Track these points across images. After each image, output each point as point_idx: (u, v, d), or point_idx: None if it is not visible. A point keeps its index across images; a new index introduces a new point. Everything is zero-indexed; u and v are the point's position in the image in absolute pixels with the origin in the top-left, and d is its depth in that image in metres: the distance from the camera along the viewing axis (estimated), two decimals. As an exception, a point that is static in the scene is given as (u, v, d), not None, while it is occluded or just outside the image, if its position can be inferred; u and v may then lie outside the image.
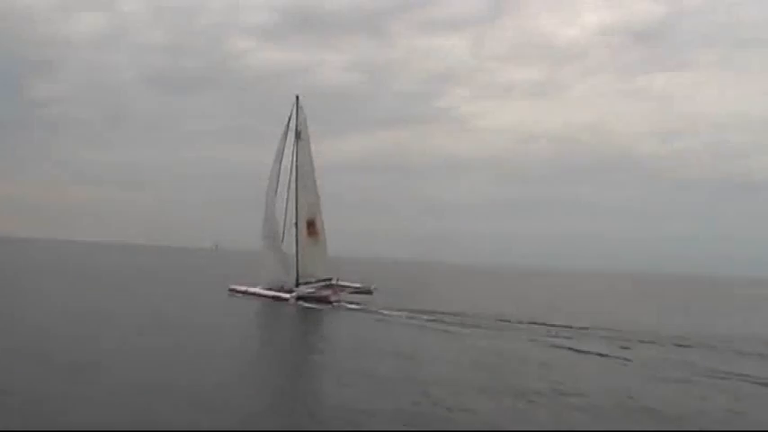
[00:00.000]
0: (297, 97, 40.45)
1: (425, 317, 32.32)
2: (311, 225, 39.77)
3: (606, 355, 22.83)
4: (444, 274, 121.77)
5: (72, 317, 28.28)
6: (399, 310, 33.95)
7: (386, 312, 33.58)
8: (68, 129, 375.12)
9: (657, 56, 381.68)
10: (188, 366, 17.91)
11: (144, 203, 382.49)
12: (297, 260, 40.10)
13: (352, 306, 36.31)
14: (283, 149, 40.26)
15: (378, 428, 10.81)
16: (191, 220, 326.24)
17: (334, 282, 39.21)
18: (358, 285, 40.16)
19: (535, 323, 31.40)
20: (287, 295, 37.56)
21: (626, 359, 22.32)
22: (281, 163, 40.38)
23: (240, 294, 40.45)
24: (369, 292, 39.75)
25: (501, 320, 32.41)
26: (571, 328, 30.14)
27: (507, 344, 25.56)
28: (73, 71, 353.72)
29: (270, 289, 39.49)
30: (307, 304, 36.60)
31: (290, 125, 40.20)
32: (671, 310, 52.99)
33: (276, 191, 40.23)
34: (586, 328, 30.19)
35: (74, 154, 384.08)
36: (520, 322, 31.88)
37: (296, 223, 40.03)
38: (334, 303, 37.14)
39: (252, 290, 40.13)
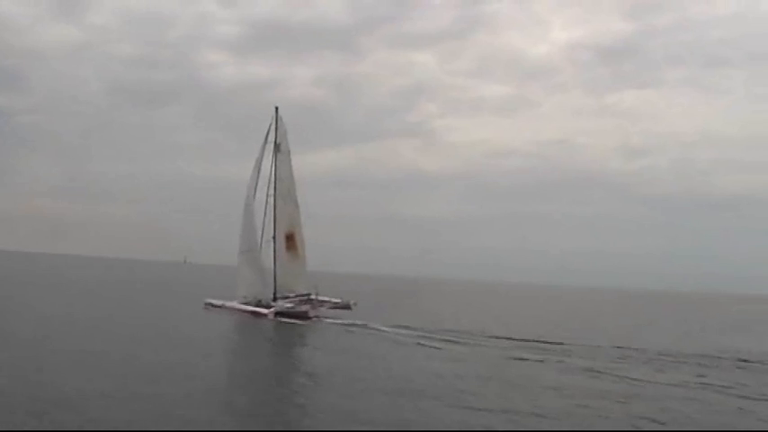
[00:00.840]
0: (276, 109, 40.01)
1: (409, 332, 31.96)
2: (290, 239, 39.15)
3: (591, 370, 22.75)
4: (418, 288, 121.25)
5: (40, 330, 27.27)
6: (381, 326, 33.48)
7: (368, 328, 33.14)
8: (37, 140, 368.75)
9: (626, 73, 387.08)
10: (164, 383, 17.11)
11: (112, 217, 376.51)
12: (274, 274, 39.44)
13: (332, 321, 35.76)
14: (261, 161, 39.69)
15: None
16: (159, 233, 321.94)
17: (313, 297, 38.54)
18: (337, 301, 39.55)
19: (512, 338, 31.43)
20: (266, 310, 36.81)
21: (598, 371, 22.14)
22: (258, 175, 39.81)
23: (216, 309, 39.67)
24: (348, 307, 39.15)
25: (483, 335, 32.31)
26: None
27: (484, 357, 25.52)
28: (42, 82, 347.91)
29: (247, 303, 38.79)
30: (285, 319, 35.94)
31: (269, 137, 39.69)
32: (652, 326, 53.20)
33: (254, 204, 39.61)
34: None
35: (41, 166, 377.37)
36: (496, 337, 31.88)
37: (274, 237, 39.40)
38: (314, 319, 36.57)
39: (229, 304, 39.37)
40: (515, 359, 25.32)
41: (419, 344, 28.50)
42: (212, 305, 40.37)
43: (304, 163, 39.78)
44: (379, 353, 25.78)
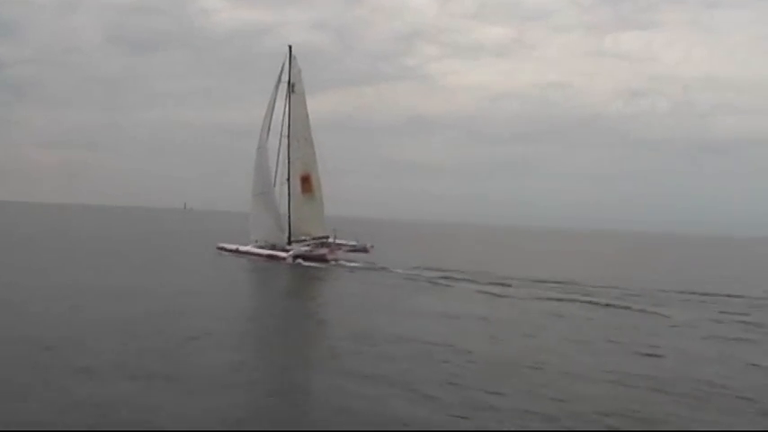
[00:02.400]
0: (290, 48, 38.67)
1: (433, 274, 31.52)
2: (306, 181, 38.20)
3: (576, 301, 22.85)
4: (424, 232, 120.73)
5: (54, 286, 26.59)
6: (402, 268, 33.01)
7: (390, 271, 32.66)
8: (32, 91, 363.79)
9: (626, 15, 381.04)
10: (188, 333, 16.00)
11: (111, 165, 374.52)
12: (289, 218, 38.70)
13: (352, 264, 35.23)
14: (275, 102, 38.57)
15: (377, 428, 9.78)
16: (159, 180, 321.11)
17: (330, 240, 37.88)
18: (354, 243, 39.07)
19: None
20: (283, 254, 36.21)
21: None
22: (271, 116, 38.71)
23: (230, 253, 39.04)
24: (365, 250, 38.76)
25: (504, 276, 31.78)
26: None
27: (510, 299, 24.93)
28: (36, 32, 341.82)
29: (262, 247, 38.15)
30: (304, 263, 35.39)
31: (282, 77, 38.45)
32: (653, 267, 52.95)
33: (267, 146, 38.61)
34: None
35: (38, 116, 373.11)
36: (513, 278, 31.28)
37: (288, 179, 38.53)
38: (332, 262, 36.00)
39: (243, 248, 38.72)
40: (545, 300, 24.82)
41: (448, 285, 28.28)
42: (225, 249, 39.69)
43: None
44: (405, 296, 25.25)
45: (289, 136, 38.27)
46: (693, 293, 28.23)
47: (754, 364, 14.58)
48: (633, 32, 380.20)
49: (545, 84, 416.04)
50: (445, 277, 30.30)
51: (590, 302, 24.01)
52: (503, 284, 28.47)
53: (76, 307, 18.84)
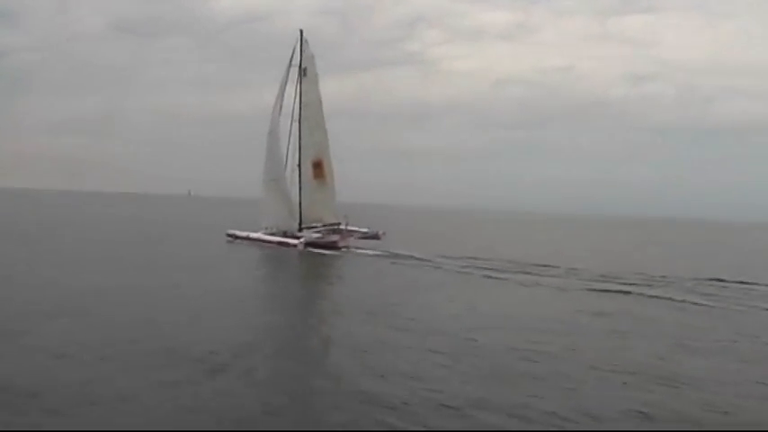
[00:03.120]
0: (301, 32, 37.98)
1: (446, 260, 31.01)
2: (318, 167, 37.60)
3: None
4: (431, 218, 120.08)
5: (63, 272, 26.16)
6: (418, 255, 32.49)
7: (403, 257, 32.16)
8: (33, 78, 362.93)
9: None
10: (203, 320, 15.92)
11: (113, 151, 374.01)
12: (300, 204, 38.16)
13: (363, 251, 34.71)
14: (285, 87, 37.91)
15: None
16: (162, 167, 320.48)
17: (342, 227, 37.33)
18: (366, 230, 38.38)
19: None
20: (294, 241, 35.71)
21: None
22: (282, 101, 38.08)
23: (240, 240, 38.53)
24: (376, 237, 38.08)
25: (509, 261, 31.48)
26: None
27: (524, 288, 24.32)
28: (38, 20, 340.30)
29: (273, 234, 37.63)
30: (315, 250, 34.90)
31: (293, 61, 37.78)
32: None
33: (278, 131, 37.99)
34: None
35: (40, 103, 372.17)
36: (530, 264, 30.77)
37: (299, 165, 37.96)
38: (343, 249, 35.48)
39: (254, 235, 38.19)
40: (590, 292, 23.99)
41: (462, 272, 27.75)
42: (235, 236, 39.18)
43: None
44: (425, 283, 24.76)
45: (300, 121, 37.65)
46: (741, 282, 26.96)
47: None
48: (638, 16, 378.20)
49: (549, 68, 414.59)
50: (467, 266, 29.73)
51: (642, 294, 23.07)
52: (526, 273, 27.88)
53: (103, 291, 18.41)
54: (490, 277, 26.49)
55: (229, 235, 39.62)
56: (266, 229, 38.35)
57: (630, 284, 24.75)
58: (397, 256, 32.74)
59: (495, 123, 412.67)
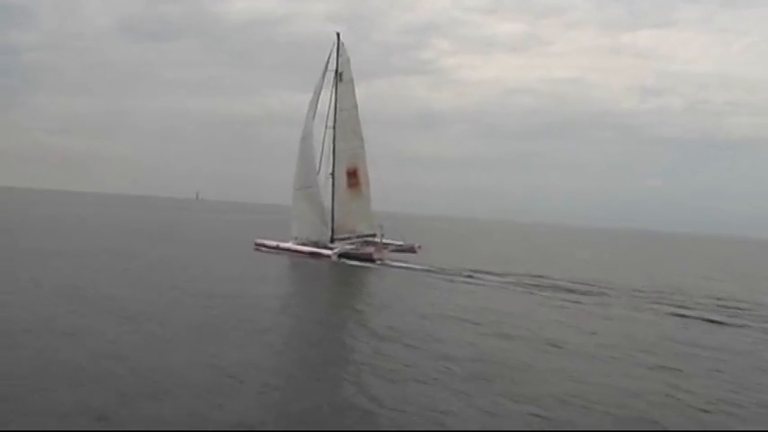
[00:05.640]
0: (338, 35, 36.53)
1: (495, 278, 29.50)
2: (352, 175, 36.08)
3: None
4: (456, 228, 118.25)
5: (89, 283, 24.65)
6: (456, 271, 30.97)
7: (445, 273, 30.60)
8: (43, 77, 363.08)
9: (642, 12, 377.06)
10: (238, 335, 14.85)
11: (122, 153, 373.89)
12: (332, 214, 36.66)
13: (399, 264, 33.16)
14: (320, 92, 36.46)
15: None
16: (170, 170, 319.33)
17: (377, 239, 35.77)
18: (401, 243, 36.79)
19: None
20: (327, 252, 34.18)
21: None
22: (316, 106, 36.65)
23: (269, 250, 37.00)
24: (412, 250, 36.48)
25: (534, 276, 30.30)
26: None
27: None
28: (48, 18, 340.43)
29: (303, 244, 36.14)
30: (349, 262, 33.38)
31: (330, 65, 36.37)
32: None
33: (312, 137, 36.53)
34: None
35: (49, 102, 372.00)
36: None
37: (332, 173, 36.47)
38: (377, 261, 33.91)
39: (284, 245, 36.68)
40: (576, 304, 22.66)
41: (506, 288, 26.58)
42: (264, 246, 37.65)
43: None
44: (466, 302, 23.14)
45: (335, 127, 36.18)
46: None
47: None
48: (648, 30, 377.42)
49: (558, 79, 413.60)
50: (508, 282, 28.24)
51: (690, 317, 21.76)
52: (573, 291, 26.41)
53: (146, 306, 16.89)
54: (533, 293, 25.27)
55: (258, 244, 38.11)
56: (296, 238, 36.90)
57: (710, 310, 23.40)
58: (433, 271, 31.28)
59: (503, 133, 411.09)
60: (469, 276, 29.67)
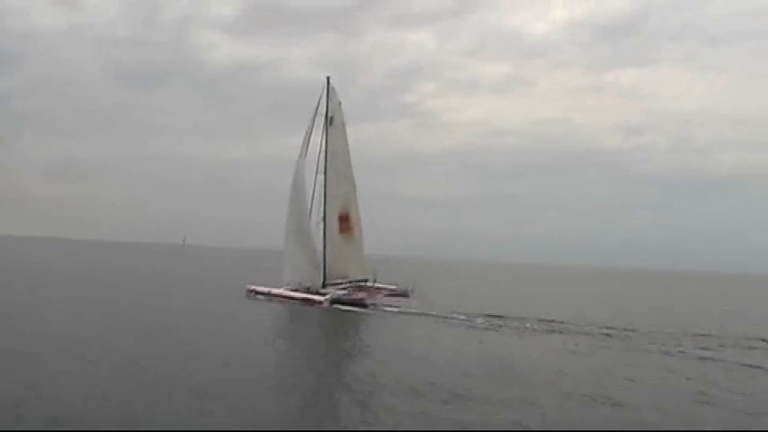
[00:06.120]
0: (327, 79, 36.58)
1: (490, 321, 29.18)
2: (344, 220, 35.81)
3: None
4: (442, 270, 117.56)
5: (74, 330, 24.03)
6: (453, 315, 30.63)
7: (437, 317, 30.29)
8: (31, 122, 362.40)
9: (625, 51, 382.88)
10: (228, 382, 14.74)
11: (108, 199, 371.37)
12: (324, 259, 36.24)
13: (392, 309, 32.76)
14: (311, 136, 36.33)
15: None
16: (156, 215, 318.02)
17: (370, 283, 35.35)
18: (394, 287, 36.32)
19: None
20: (320, 298, 33.68)
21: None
22: (307, 150, 36.49)
23: (261, 296, 36.46)
24: (405, 294, 36.02)
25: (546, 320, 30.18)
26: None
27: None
28: (36, 64, 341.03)
29: (296, 290, 35.63)
30: (342, 307, 32.89)
31: (319, 110, 36.32)
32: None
33: (304, 181, 36.29)
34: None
35: (36, 148, 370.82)
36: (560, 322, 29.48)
37: (324, 217, 36.16)
38: (370, 306, 33.47)
39: (276, 291, 36.14)
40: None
41: (497, 330, 26.38)
42: (256, 292, 37.10)
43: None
44: (469, 349, 22.73)
45: (326, 171, 35.98)
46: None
47: None
48: (632, 69, 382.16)
49: (542, 120, 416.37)
50: (501, 325, 27.98)
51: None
52: (577, 333, 26.16)
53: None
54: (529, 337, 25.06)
55: (250, 290, 37.56)
56: (288, 284, 36.40)
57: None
58: (427, 315, 30.96)
59: (489, 174, 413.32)
60: (454, 319, 29.66)
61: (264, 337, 24.15)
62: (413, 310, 32.02)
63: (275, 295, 35.81)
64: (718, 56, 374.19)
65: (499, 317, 30.55)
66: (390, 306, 33.57)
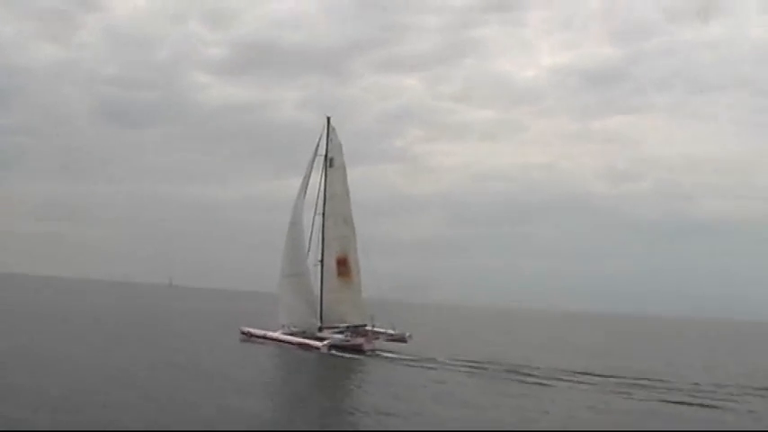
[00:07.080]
0: (328, 119, 36.34)
1: (490, 369, 28.66)
2: (342, 263, 35.19)
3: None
4: (435, 314, 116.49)
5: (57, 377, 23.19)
6: (452, 362, 30.05)
7: (437, 363, 29.69)
8: (18, 162, 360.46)
9: (613, 98, 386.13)
10: None
11: (96, 238, 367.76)
12: (321, 302, 35.56)
13: (391, 356, 32.03)
14: (310, 177, 35.96)
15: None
16: (143, 255, 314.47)
17: (368, 328, 34.61)
18: (392, 332, 35.57)
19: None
20: (318, 343, 32.86)
21: None
22: (305, 192, 36.07)
23: (256, 339, 35.67)
24: (403, 339, 35.24)
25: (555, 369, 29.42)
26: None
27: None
28: (25, 102, 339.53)
29: (292, 334, 34.88)
30: (339, 353, 32.12)
31: (319, 150, 36.01)
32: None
33: (302, 223, 35.79)
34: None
35: (24, 186, 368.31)
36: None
37: (321, 260, 35.59)
38: (368, 352, 32.72)
39: (271, 334, 35.36)
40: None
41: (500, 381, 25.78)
42: (251, 335, 36.28)
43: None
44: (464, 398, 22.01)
45: (324, 213, 35.51)
46: None
47: None
48: (619, 117, 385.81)
49: (530, 165, 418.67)
50: (504, 373, 27.35)
51: None
52: (592, 383, 25.52)
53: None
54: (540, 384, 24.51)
55: (244, 333, 36.75)
56: (284, 327, 35.67)
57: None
58: (427, 360, 30.35)
59: (477, 218, 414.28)
60: (453, 366, 29.19)
61: (263, 383, 23.47)
62: (410, 357, 31.33)
63: (271, 338, 35.03)
64: (705, 103, 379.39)
65: (513, 366, 29.64)
66: (388, 352, 32.86)
